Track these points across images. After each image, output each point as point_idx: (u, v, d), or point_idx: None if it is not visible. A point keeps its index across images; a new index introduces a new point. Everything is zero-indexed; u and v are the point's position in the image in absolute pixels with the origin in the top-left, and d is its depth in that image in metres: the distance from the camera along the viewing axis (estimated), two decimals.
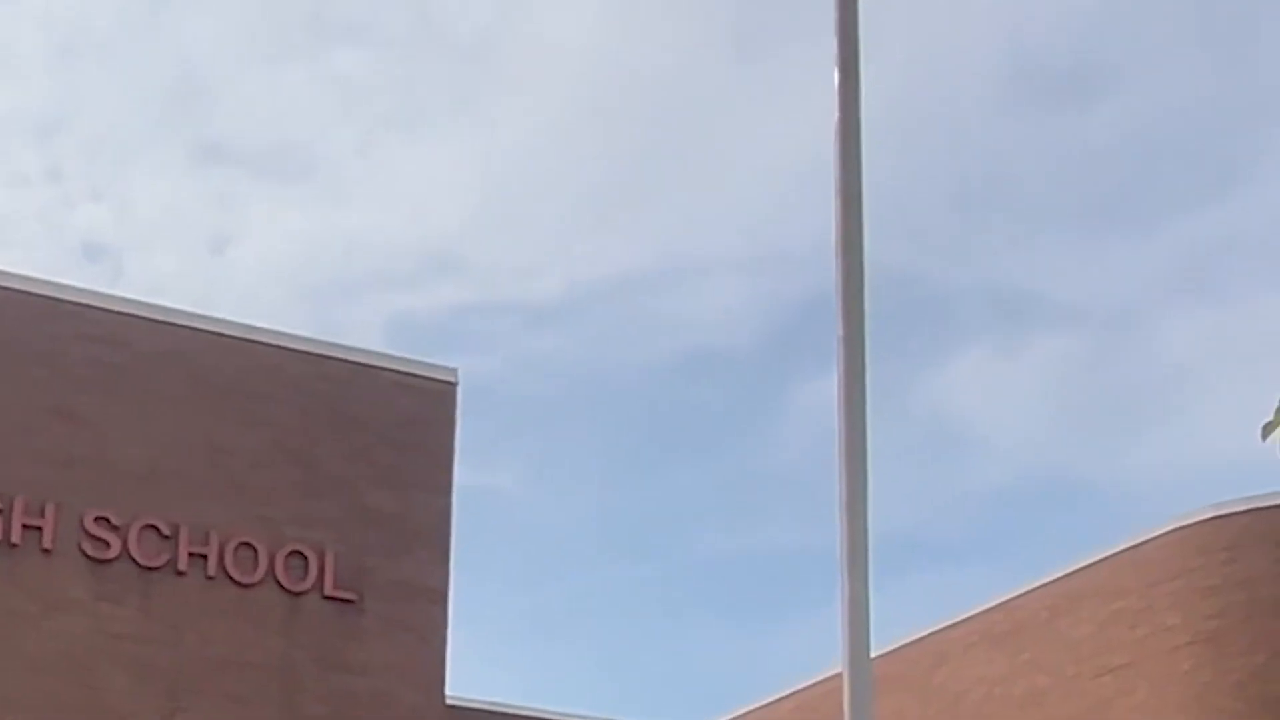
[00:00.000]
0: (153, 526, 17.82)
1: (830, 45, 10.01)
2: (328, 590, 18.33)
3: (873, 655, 8.53)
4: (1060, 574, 22.49)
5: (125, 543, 17.67)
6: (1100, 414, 39.65)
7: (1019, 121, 38.84)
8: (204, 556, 17.92)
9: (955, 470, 40.57)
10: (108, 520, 17.67)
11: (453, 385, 19.44)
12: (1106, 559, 22.05)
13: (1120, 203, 38.78)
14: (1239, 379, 36.65)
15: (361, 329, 42.11)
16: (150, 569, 17.73)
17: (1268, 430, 6.76)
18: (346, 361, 19.13)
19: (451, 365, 19.61)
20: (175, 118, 39.27)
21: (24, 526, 17.31)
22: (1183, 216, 39.07)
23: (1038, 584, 22.64)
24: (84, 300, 18.32)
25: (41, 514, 17.41)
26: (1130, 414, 38.90)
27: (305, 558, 18.32)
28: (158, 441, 18.15)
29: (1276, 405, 6.78)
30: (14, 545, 17.26)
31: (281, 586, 18.19)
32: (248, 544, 18.13)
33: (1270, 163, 37.93)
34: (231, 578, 17.99)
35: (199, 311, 18.96)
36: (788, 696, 25.22)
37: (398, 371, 19.26)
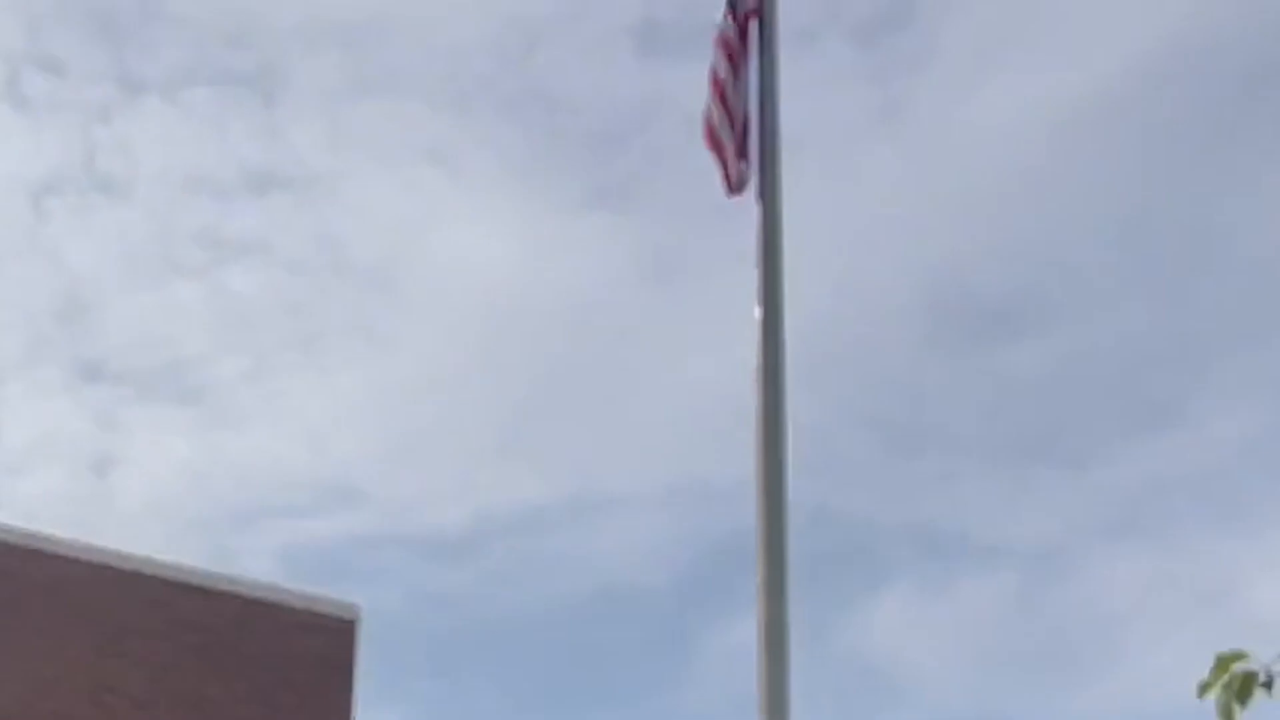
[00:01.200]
0: None
1: (751, 276, 10.33)
2: None
3: None
4: None
5: None
6: (1030, 657, 39.81)
7: (944, 356, 39.49)
8: None
9: (880, 713, 40.54)
10: None
11: (353, 623, 19.47)
12: None
13: (1050, 440, 39.33)
14: (1175, 622, 37.00)
15: (254, 560, 41.87)
16: None
17: (1203, 690, 6.87)
18: (241, 597, 19.14)
19: (350, 600, 19.64)
20: (56, 336, 39.32)
21: None
22: (1115, 455, 39.63)
23: None
24: None
25: None
26: (1062, 657, 39.08)
27: None
28: (37, 679, 18.04)
29: (1212, 664, 6.88)
30: None
31: None
32: None
33: (1205, 400, 38.64)
34: None
35: (82, 541, 18.94)
36: None
37: (296, 608, 19.29)
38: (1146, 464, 39.04)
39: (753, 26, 11.15)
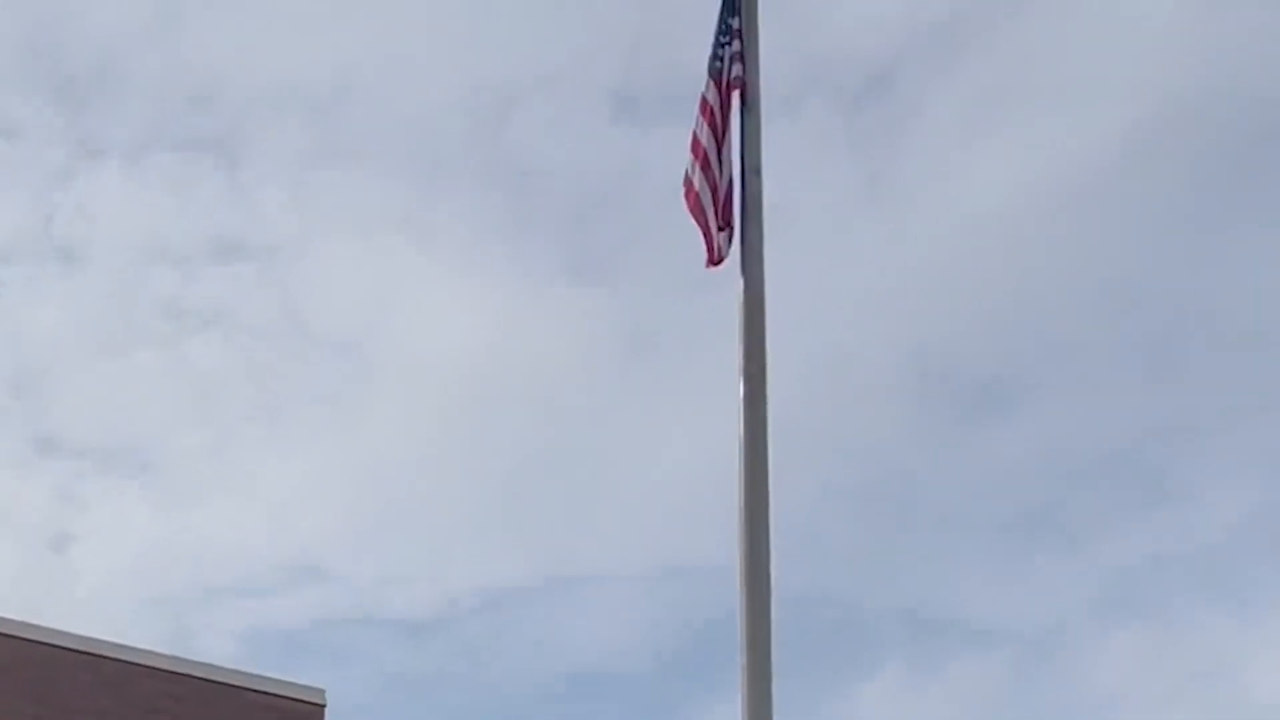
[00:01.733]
0: None
1: (733, 350, 10.40)
2: None
3: None
4: None
5: None
6: None
7: (932, 433, 39.55)
8: None
9: None
10: None
11: (320, 707, 19.42)
12: None
13: (1042, 518, 39.37)
14: (1170, 704, 36.99)
15: (217, 641, 41.76)
16: None
17: None
18: (203, 679, 19.09)
19: (317, 685, 19.59)
20: (11, 408, 39.28)
21: None
22: (1109, 533, 39.69)
23: None
24: None
25: None
26: None
27: None
28: None
29: None
30: None
31: None
32: None
33: (1202, 478, 38.74)
34: None
35: (37, 622, 18.89)
36: None
37: (260, 691, 19.22)
38: (1141, 543, 39.10)
39: (735, 97, 11.27)
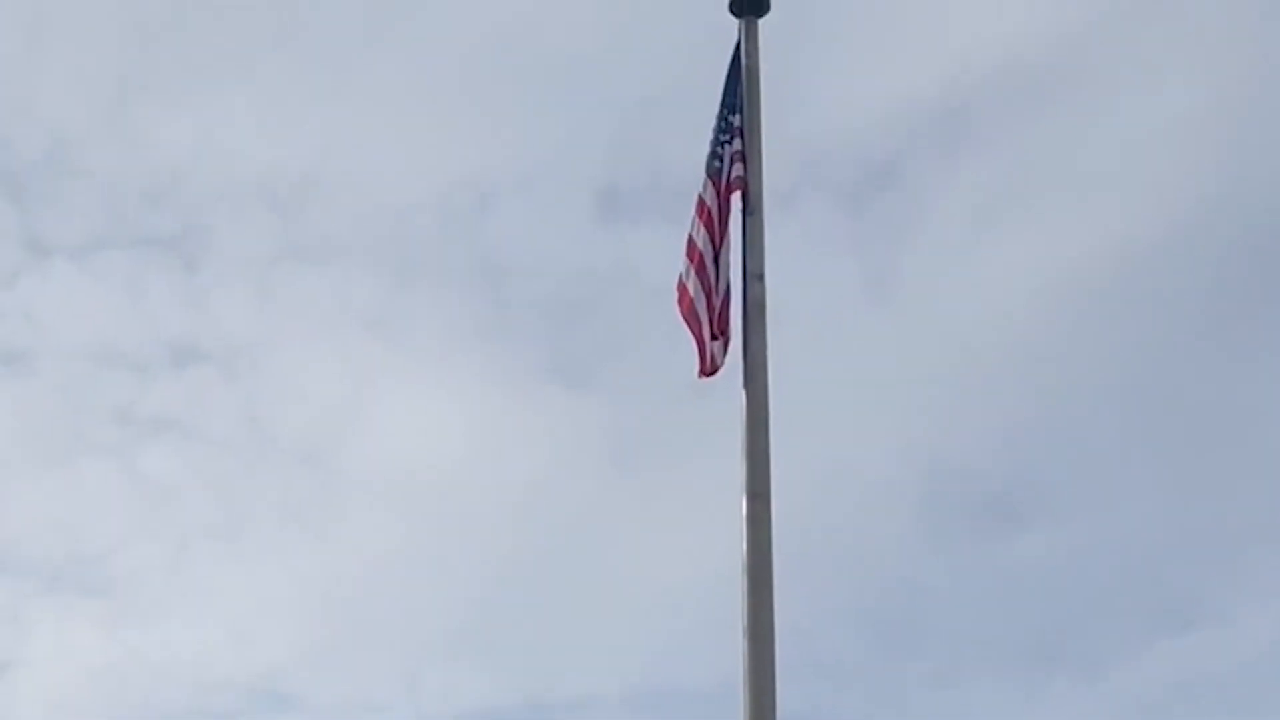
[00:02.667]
0: None
1: (726, 461, 10.57)
2: None
3: None
4: None
5: None
6: None
7: (942, 548, 39.58)
8: None
9: None
10: None
11: None
12: None
13: (1060, 641, 39.37)
14: None
15: None
16: None
17: None
18: None
19: None
20: None
21: None
22: (1132, 657, 39.73)
23: None
24: None
25: None
26: None
27: None
28: None
29: None
30: None
31: None
32: None
33: (1233, 597, 38.79)
34: None
35: None
36: None
37: None
38: (1168, 668, 39.10)
39: (736, 198, 11.27)
